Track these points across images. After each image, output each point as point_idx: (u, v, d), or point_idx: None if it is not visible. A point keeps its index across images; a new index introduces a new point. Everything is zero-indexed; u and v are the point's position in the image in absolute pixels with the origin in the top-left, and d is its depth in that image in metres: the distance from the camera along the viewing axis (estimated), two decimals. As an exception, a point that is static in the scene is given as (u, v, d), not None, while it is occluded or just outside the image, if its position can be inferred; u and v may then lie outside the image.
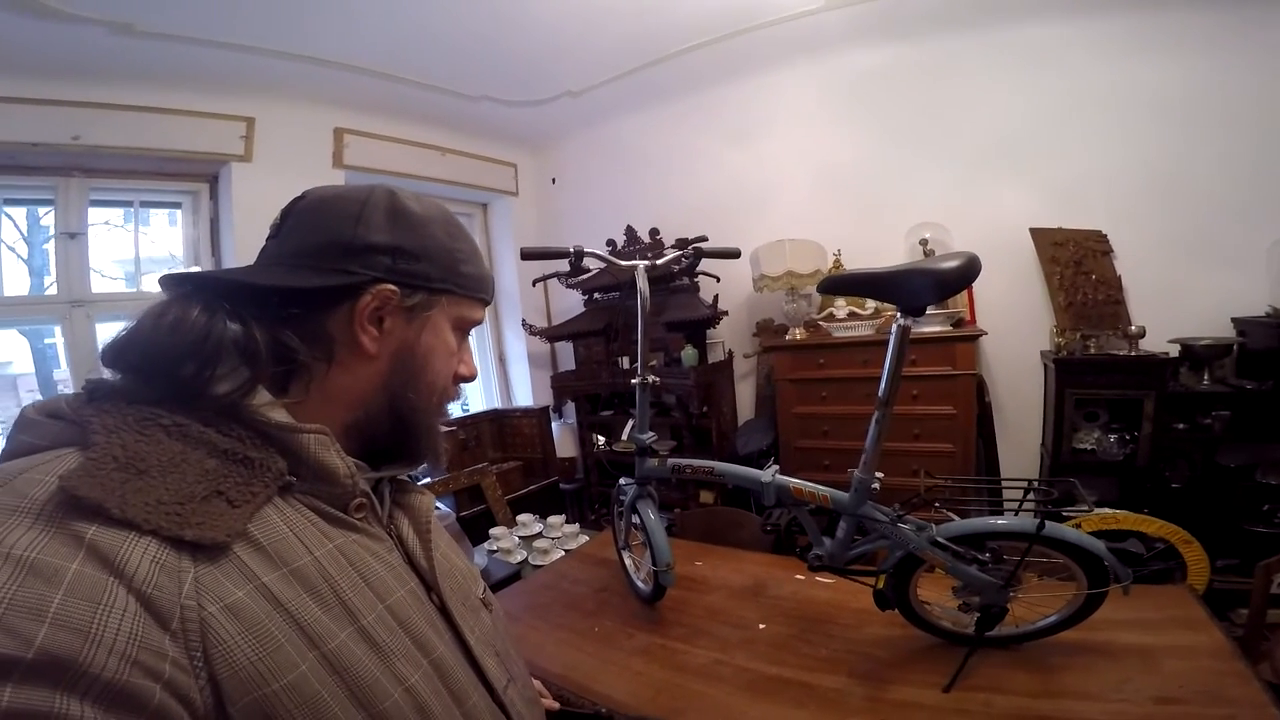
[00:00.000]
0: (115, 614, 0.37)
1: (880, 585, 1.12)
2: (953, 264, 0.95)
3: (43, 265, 2.35)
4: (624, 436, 1.45)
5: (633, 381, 1.43)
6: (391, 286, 0.56)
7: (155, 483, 0.42)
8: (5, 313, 2.28)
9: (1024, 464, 2.53)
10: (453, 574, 0.64)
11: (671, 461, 1.40)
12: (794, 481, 1.20)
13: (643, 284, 1.39)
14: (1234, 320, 2.21)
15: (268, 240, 0.59)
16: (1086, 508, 1.05)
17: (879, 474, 1.10)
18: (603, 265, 1.43)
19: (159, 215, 2.70)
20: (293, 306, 0.54)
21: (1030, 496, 1.02)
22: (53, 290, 2.33)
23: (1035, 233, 2.40)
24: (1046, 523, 0.98)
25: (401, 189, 0.61)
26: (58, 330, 2.32)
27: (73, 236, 2.32)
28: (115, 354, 0.49)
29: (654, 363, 3.07)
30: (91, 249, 2.41)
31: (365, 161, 2.96)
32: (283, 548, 0.47)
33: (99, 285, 2.43)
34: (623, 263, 1.41)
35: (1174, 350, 2.21)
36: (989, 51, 2.54)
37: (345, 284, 0.55)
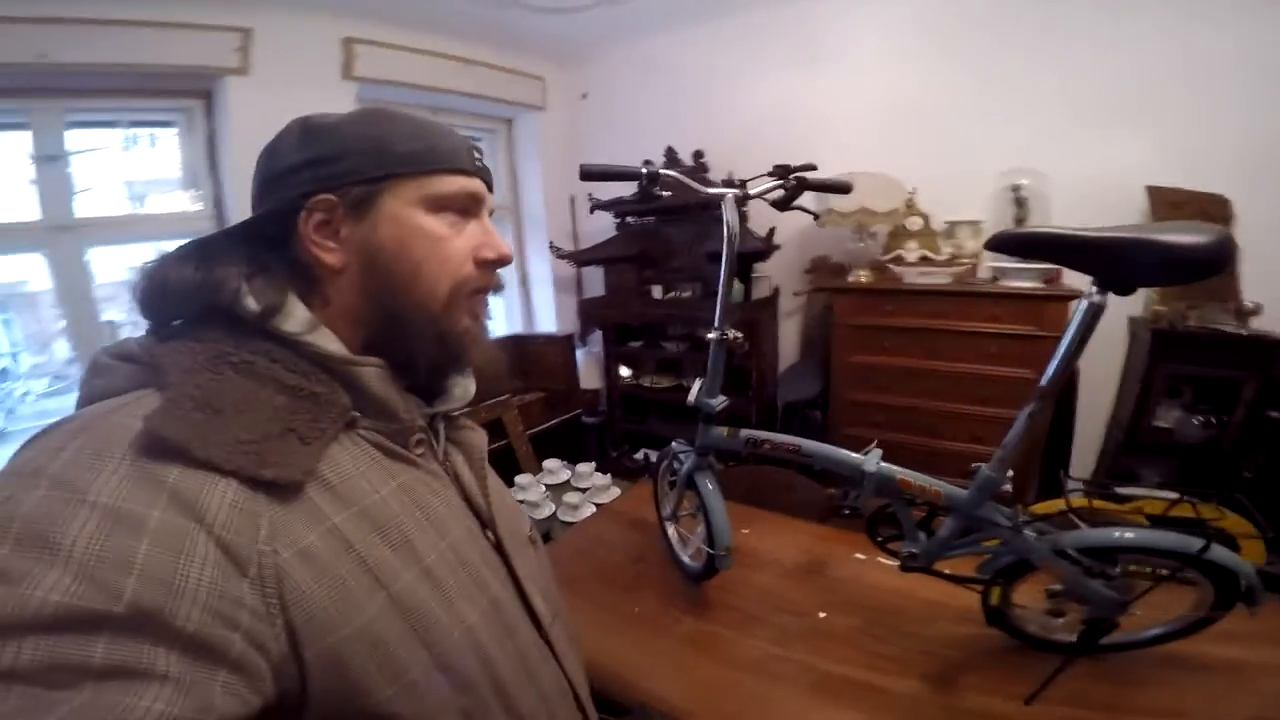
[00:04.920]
0: (197, 563, 0.37)
1: (996, 601, 1.00)
2: (1195, 239, 0.71)
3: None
4: (690, 399, 1.26)
5: (709, 336, 1.23)
6: (325, 195, 0.52)
7: (231, 421, 0.42)
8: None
9: (1089, 437, 2.36)
10: (505, 510, 0.65)
11: (745, 434, 1.21)
12: (901, 472, 1.03)
13: (731, 216, 1.18)
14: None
15: None
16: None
17: (1010, 473, 0.94)
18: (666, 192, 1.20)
19: (166, 136, 2.45)
20: (260, 251, 0.53)
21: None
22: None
23: (1152, 191, 2.11)
24: (1215, 549, 0.86)
25: (319, 113, 0.57)
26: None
27: (53, 160, 2.10)
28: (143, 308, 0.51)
29: (689, 294, 2.85)
30: (88, 172, 2.20)
31: (378, 73, 2.65)
32: (351, 486, 0.48)
33: (101, 211, 2.24)
34: (708, 190, 1.18)
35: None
36: None
37: (276, 210, 0.53)
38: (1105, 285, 0.79)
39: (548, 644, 0.61)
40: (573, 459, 2.14)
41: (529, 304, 3.72)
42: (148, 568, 0.35)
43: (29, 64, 1.90)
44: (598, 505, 1.84)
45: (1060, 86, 2.29)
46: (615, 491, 1.95)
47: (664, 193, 1.18)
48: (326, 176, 0.53)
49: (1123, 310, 2.27)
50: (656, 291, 2.96)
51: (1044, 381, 0.87)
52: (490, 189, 0.62)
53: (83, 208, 2.17)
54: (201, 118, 2.39)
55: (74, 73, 2.02)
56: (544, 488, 1.95)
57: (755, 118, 2.94)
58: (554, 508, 1.84)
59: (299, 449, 0.45)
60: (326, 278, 0.54)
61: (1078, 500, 0.98)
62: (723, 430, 1.24)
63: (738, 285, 2.65)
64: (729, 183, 1.24)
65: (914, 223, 2.35)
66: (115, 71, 2.08)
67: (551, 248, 3.24)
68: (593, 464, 2.08)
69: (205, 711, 0.34)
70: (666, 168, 2.81)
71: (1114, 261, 0.77)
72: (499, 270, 0.61)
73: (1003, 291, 2.14)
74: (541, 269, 3.58)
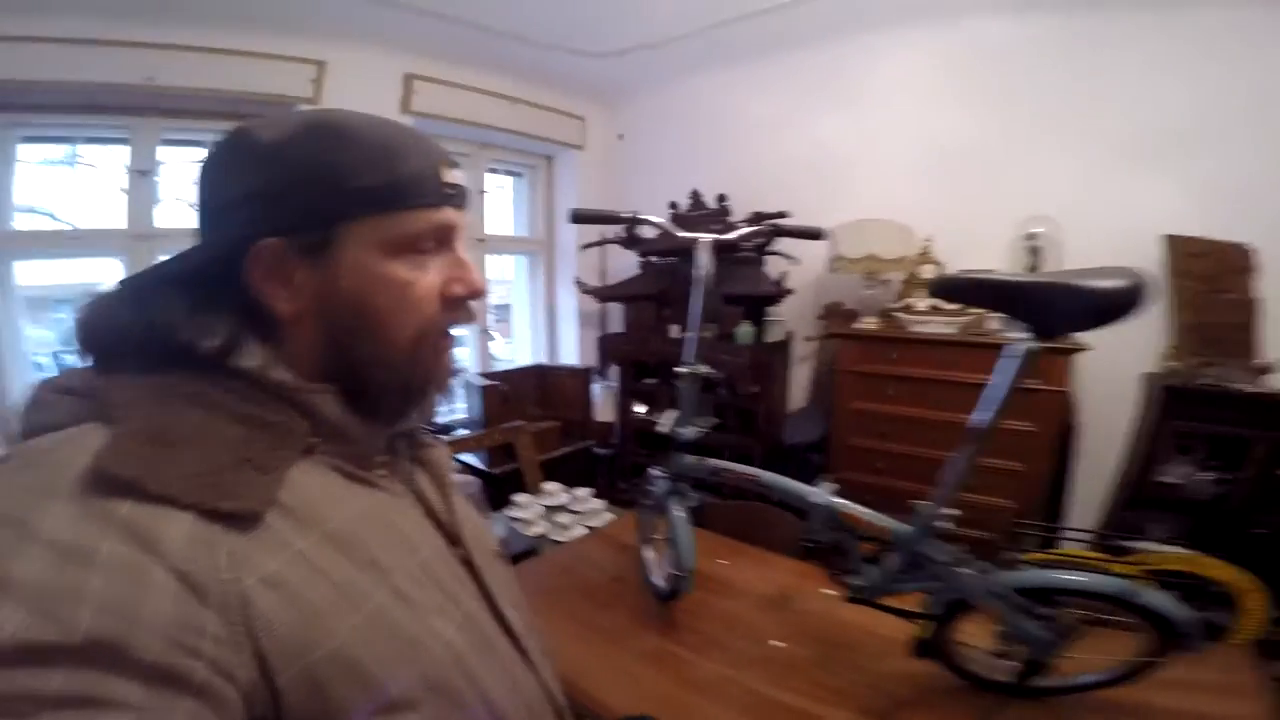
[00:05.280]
0: (154, 594, 0.36)
1: (928, 635, 1.02)
2: (1115, 283, 0.75)
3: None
4: (661, 426, 1.32)
5: (678, 369, 1.29)
6: (272, 239, 0.47)
7: (185, 455, 0.42)
8: (71, 244, 2.36)
9: (1094, 490, 2.29)
10: (471, 526, 0.64)
11: (712, 463, 1.27)
12: (848, 506, 1.08)
13: (705, 259, 1.24)
14: (1388, 367, 1.88)
15: None
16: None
17: (953, 511, 0.99)
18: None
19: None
20: (207, 289, 0.49)
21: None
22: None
23: (1171, 240, 2.09)
24: (1138, 589, 0.88)
25: (260, 120, 0.50)
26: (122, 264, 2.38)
27: (144, 174, 2.35)
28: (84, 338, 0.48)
29: (707, 335, 2.89)
30: (171, 185, 2.45)
31: (434, 109, 2.87)
32: (314, 511, 0.47)
33: (178, 223, 2.47)
34: (683, 233, 1.26)
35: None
36: (1157, 33, 2.15)
37: (218, 250, 0.49)
38: (1033, 330, 0.83)
39: (524, 655, 0.60)
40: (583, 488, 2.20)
41: (554, 336, 3.85)
42: (104, 600, 0.35)
43: (139, 85, 2.15)
44: (589, 528, 1.89)
45: (1078, 133, 2.31)
46: (608, 517, 2.01)
47: (648, 236, 1.25)
48: (273, 216, 0.48)
49: (1135, 364, 2.22)
50: (674, 331, 3.00)
51: (979, 424, 0.92)
52: (462, 208, 0.56)
53: (161, 218, 2.41)
54: (274, 143, 2.65)
55: (173, 94, 2.26)
56: (541, 507, 2.01)
57: (781, 162, 3.02)
58: (547, 527, 1.90)
59: (257, 479, 0.44)
60: (280, 323, 0.50)
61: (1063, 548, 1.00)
62: (692, 459, 1.30)
63: (748, 328, 2.70)
64: (707, 228, 1.31)
65: (928, 271, 2.38)
66: (208, 95, 2.32)
67: (576, 282, 3.35)
68: (590, 489, 2.14)
69: None
70: (692, 210, 2.96)
71: (1039, 306, 0.80)
72: (472, 302, 0.56)
73: (1007, 343, 2.12)
74: (569, 302, 3.71)
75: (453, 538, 0.60)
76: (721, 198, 2.96)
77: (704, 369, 1.29)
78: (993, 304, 0.87)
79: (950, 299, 0.92)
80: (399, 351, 0.52)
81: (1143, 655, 0.94)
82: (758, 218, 1.28)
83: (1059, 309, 0.78)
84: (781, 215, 1.29)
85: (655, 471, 1.39)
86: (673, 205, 3.07)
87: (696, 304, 1.28)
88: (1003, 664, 1.01)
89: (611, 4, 2.54)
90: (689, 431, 1.29)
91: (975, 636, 1.03)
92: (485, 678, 0.52)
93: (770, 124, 3.06)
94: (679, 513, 1.30)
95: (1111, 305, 0.75)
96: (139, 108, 2.29)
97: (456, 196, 0.54)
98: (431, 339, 0.54)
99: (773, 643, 1.20)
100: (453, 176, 0.54)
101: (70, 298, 2.51)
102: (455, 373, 0.59)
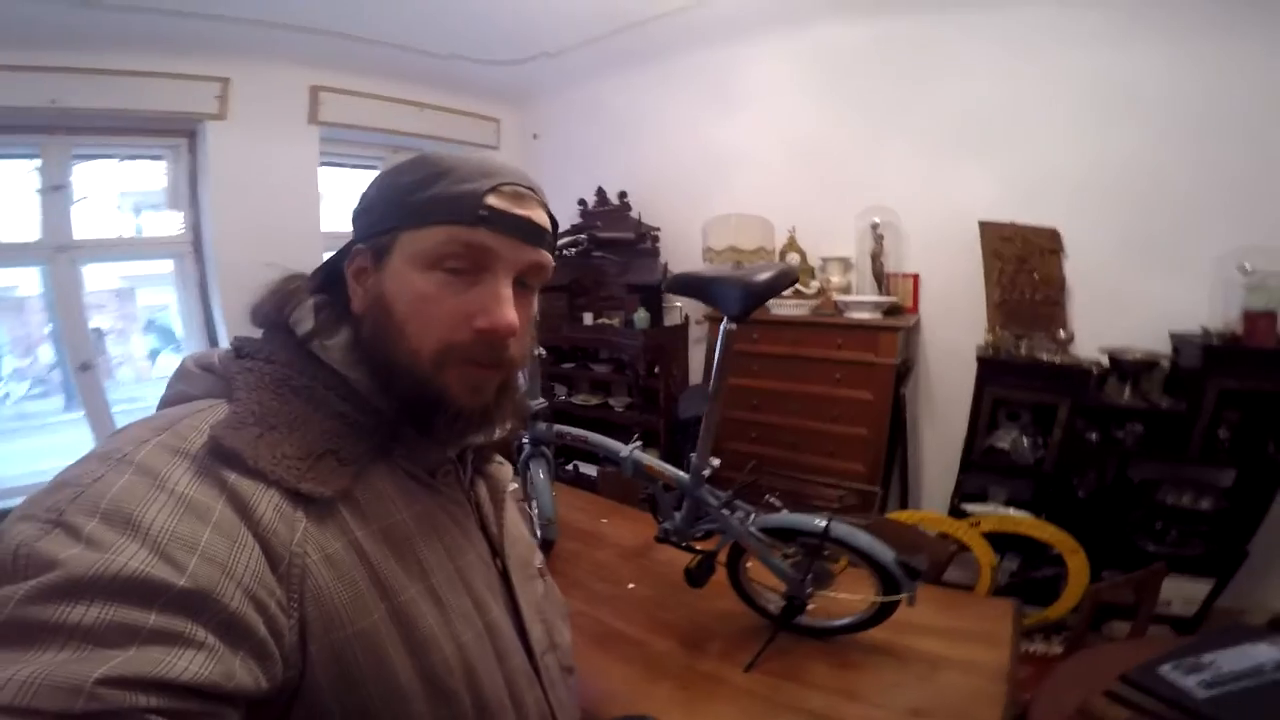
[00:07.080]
0: (245, 553, 0.42)
1: (692, 566, 1.21)
2: (762, 276, 1.00)
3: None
4: None
5: None
6: (361, 244, 0.57)
7: (283, 438, 0.49)
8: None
9: (948, 456, 2.56)
10: (517, 542, 0.69)
11: (556, 428, 1.51)
12: (647, 459, 1.29)
13: None
14: (1171, 335, 2.17)
15: None
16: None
17: (715, 460, 1.18)
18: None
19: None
20: (332, 285, 0.60)
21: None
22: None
23: (984, 226, 2.37)
24: (834, 525, 1.04)
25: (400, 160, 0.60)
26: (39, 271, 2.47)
27: (57, 189, 2.44)
28: (251, 315, 0.59)
29: (613, 321, 3.16)
30: (86, 188, 2.54)
31: (341, 118, 2.99)
32: (377, 506, 0.53)
33: (93, 223, 2.55)
34: None
35: (1106, 359, 2.20)
36: (974, 32, 2.42)
37: (337, 255, 0.60)
38: (726, 315, 1.04)
39: (536, 672, 0.64)
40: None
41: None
42: (208, 551, 0.40)
43: (42, 108, 2.24)
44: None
45: (909, 129, 2.58)
46: (513, 486, 2.22)
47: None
48: (363, 226, 0.58)
49: (975, 340, 2.47)
50: (587, 318, 3.26)
51: (710, 389, 1.14)
52: (529, 240, 0.56)
53: (80, 227, 2.48)
54: (186, 153, 2.74)
55: (80, 115, 2.35)
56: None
57: (675, 159, 3.25)
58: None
59: (337, 469, 0.50)
60: (354, 320, 0.57)
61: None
62: (543, 425, 1.53)
63: (644, 313, 2.96)
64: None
65: (792, 259, 2.64)
66: (114, 115, 2.42)
67: (490, 274, 3.52)
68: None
69: (227, 678, 0.38)
70: (598, 205, 3.17)
71: (718, 295, 1.03)
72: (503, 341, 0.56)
73: (846, 323, 2.41)
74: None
75: (497, 550, 0.65)
76: (622, 194, 3.18)
77: (540, 350, 1.51)
78: (698, 295, 1.09)
79: (676, 293, 1.12)
80: (422, 364, 0.54)
81: (878, 597, 1.07)
82: (578, 229, 1.49)
83: (730, 296, 1.00)
84: (595, 228, 1.50)
85: (522, 439, 1.59)
86: (581, 202, 3.29)
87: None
88: (778, 601, 1.17)
89: (507, 17, 2.70)
90: (536, 403, 1.52)
91: (767, 578, 1.18)
92: (486, 684, 0.55)
93: (663, 125, 3.29)
94: (540, 473, 1.53)
95: (762, 291, 1.00)
96: (48, 127, 2.38)
97: (501, 224, 0.54)
98: (456, 363, 0.55)
99: (629, 586, 1.41)
100: (505, 204, 0.55)
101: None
102: (480, 401, 0.58)
